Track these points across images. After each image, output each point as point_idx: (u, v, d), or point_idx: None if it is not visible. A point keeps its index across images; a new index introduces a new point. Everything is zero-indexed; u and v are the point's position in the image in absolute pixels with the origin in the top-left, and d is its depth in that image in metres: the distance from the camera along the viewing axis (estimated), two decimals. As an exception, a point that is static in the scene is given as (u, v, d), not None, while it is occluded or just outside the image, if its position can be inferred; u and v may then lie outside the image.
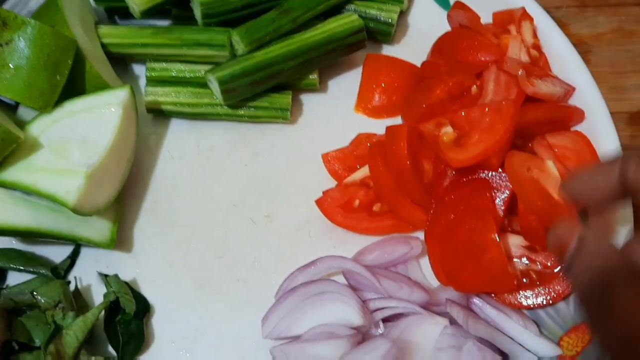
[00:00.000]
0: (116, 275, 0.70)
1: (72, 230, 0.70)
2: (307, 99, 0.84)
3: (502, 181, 0.70)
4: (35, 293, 0.67)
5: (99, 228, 0.71)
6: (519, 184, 0.67)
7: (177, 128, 0.82)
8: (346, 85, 0.85)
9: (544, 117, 0.73)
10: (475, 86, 0.74)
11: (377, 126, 0.81)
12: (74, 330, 0.64)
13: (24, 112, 0.75)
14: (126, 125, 0.72)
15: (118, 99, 0.72)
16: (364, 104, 0.82)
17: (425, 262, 0.73)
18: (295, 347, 0.65)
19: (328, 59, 0.81)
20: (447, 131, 0.69)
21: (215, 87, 0.77)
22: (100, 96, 0.72)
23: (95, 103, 0.72)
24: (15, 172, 0.68)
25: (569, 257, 0.52)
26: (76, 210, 0.66)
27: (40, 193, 0.67)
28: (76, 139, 0.70)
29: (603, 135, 0.74)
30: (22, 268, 0.71)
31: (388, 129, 0.73)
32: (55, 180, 0.67)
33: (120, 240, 0.74)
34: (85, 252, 0.75)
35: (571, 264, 0.51)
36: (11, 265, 0.71)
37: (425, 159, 0.74)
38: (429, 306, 0.68)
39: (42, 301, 0.67)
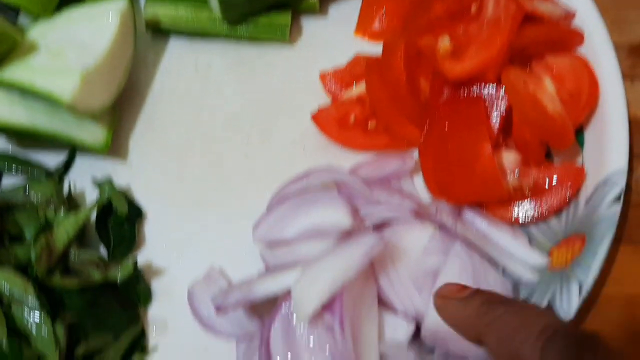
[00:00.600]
0: (110, 180, 0.71)
1: (66, 131, 0.70)
2: (307, 21, 0.84)
3: (498, 96, 0.70)
4: (28, 190, 0.67)
5: (94, 132, 0.72)
6: (515, 95, 0.67)
7: (175, 45, 0.82)
8: (347, 9, 0.84)
9: (543, 36, 0.73)
10: (474, 5, 0.74)
11: (377, 50, 0.80)
12: (65, 226, 0.65)
13: (24, 20, 0.75)
14: (124, 34, 0.73)
15: (116, 7, 0.72)
16: (364, 28, 0.82)
17: (418, 179, 0.73)
18: (283, 248, 0.65)
19: (329, -20, 0.81)
20: (445, 43, 0.68)
21: (214, 1, 0.76)
22: (99, 4, 0.72)
23: (93, 11, 0.72)
24: (13, 72, 0.68)
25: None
26: (70, 108, 0.67)
27: (36, 91, 0.67)
28: (74, 43, 0.70)
29: (602, 59, 0.73)
30: (15, 171, 0.71)
31: (385, 43, 0.73)
32: (51, 79, 0.67)
33: (115, 149, 0.75)
34: (79, 161, 0.75)
35: None
36: (6, 168, 0.71)
37: (422, 77, 0.73)
38: (420, 219, 0.68)
39: (35, 199, 0.67)
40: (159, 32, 0.82)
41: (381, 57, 0.73)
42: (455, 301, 0.54)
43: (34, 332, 0.58)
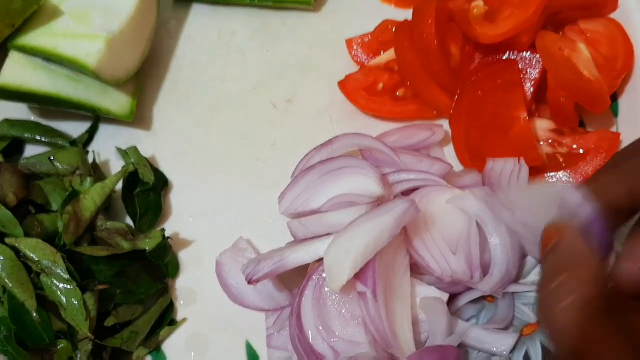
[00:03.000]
0: (135, 147, 0.70)
1: (91, 99, 0.69)
2: (330, -13, 0.82)
3: (532, 61, 0.68)
4: (52, 159, 0.66)
5: (118, 100, 0.70)
6: (550, 59, 0.65)
7: (198, 13, 0.81)
8: (373, -25, 0.82)
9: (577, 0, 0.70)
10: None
11: (404, 16, 0.78)
12: (92, 195, 0.64)
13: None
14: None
15: (140, -29, 0.70)
16: (390, -7, 0.80)
17: (448, 150, 0.72)
18: (313, 217, 0.64)
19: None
20: (478, 4, 0.66)
21: (238, -35, 0.75)
22: (122, -33, 0.70)
23: (116, -26, 0.70)
24: (36, 37, 0.67)
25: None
26: (96, 73, 0.65)
27: (60, 56, 0.66)
28: (97, 6, 0.69)
29: (637, 24, 0.71)
30: (40, 138, 0.70)
31: (415, 7, 0.70)
32: (75, 43, 0.66)
33: (139, 117, 0.74)
34: (103, 129, 0.74)
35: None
36: (29, 135, 0.70)
37: (453, 43, 0.71)
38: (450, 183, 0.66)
39: (60, 167, 0.66)
40: (182, -1, 0.80)
41: (411, 21, 0.71)
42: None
43: (63, 301, 0.57)
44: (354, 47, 0.76)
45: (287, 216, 0.67)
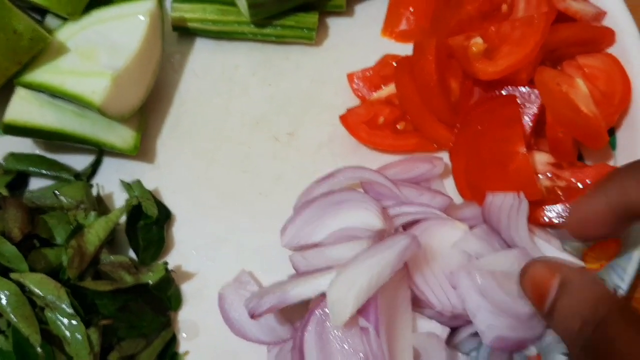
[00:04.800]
0: (139, 181, 0.70)
1: (96, 134, 0.70)
2: (333, 22, 0.84)
3: (530, 96, 0.69)
4: (57, 193, 0.67)
5: (123, 135, 0.71)
6: (548, 95, 0.66)
7: (202, 47, 0.82)
8: (373, 9, 0.84)
9: (575, 36, 0.72)
10: (505, 5, 0.73)
11: (404, 51, 0.79)
12: (96, 229, 0.64)
13: (51, 22, 0.74)
14: (152, 35, 0.72)
15: (145, 8, 0.71)
16: (391, 28, 0.82)
17: (448, 183, 0.72)
18: (314, 251, 0.64)
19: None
20: (477, 42, 0.68)
21: (242, 2, 0.76)
22: (128, 5, 0.72)
23: (123, 11, 0.72)
24: (42, 74, 0.68)
25: (550, 302, 0.48)
26: (102, 111, 0.66)
27: (67, 93, 0.67)
28: (103, 44, 0.70)
29: (634, 59, 0.73)
30: (45, 172, 0.71)
31: (416, 43, 0.72)
32: (82, 81, 0.67)
33: (143, 150, 0.74)
34: (107, 162, 0.75)
35: (553, 310, 0.47)
36: (34, 169, 0.71)
37: (453, 78, 0.73)
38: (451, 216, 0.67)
39: (65, 201, 0.67)
40: (185, 33, 0.81)
41: (412, 57, 0.72)
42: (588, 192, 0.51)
43: (67, 336, 0.58)
44: (355, 82, 0.77)
45: (289, 249, 0.68)
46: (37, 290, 0.58)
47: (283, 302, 0.59)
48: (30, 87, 0.68)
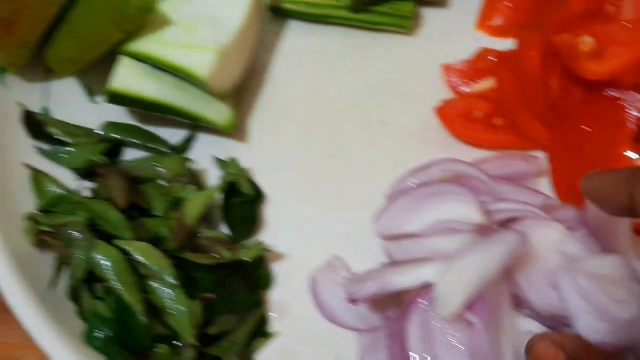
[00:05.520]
0: (235, 159, 0.70)
1: (195, 108, 0.70)
2: (426, 12, 0.83)
3: (635, 101, 0.68)
4: (155, 164, 0.67)
5: (220, 111, 0.71)
6: (657, 100, 0.65)
7: (293, 29, 0.82)
8: (468, 1, 0.83)
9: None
10: (610, 5, 0.72)
11: (498, 45, 0.79)
12: (194, 203, 0.64)
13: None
14: (255, 12, 0.72)
15: (250, -16, 0.71)
16: (486, 22, 0.81)
17: (541, 183, 0.72)
18: (412, 241, 0.64)
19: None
20: (587, 41, 0.67)
21: (343, -14, 0.76)
22: (232, -20, 0.71)
23: (226, -15, 0.71)
24: (146, 44, 0.68)
25: None
26: (206, 85, 0.66)
27: (171, 65, 0.67)
28: (206, 18, 0.70)
29: None
30: (141, 143, 0.71)
31: (520, 39, 0.71)
32: (186, 53, 0.67)
33: (235, 129, 0.74)
34: (200, 138, 0.75)
35: None
36: (131, 139, 0.71)
37: (553, 77, 0.72)
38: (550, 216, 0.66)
39: (164, 173, 0.67)
40: (278, 13, 0.81)
41: (514, 52, 0.71)
42: (605, 173, 0.52)
43: (169, 307, 0.58)
44: (450, 73, 0.77)
45: (381, 237, 0.67)
46: (141, 259, 0.59)
47: (384, 289, 0.59)
48: (135, 56, 0.68)
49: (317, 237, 0.70)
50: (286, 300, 0.68)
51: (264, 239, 0.70)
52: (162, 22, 0.69)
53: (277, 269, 0.69)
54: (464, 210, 0.65)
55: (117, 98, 0.68)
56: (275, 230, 0.71)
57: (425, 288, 0.59)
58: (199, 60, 0.66)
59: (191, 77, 0.66)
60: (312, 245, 0.70)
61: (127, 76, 0.68)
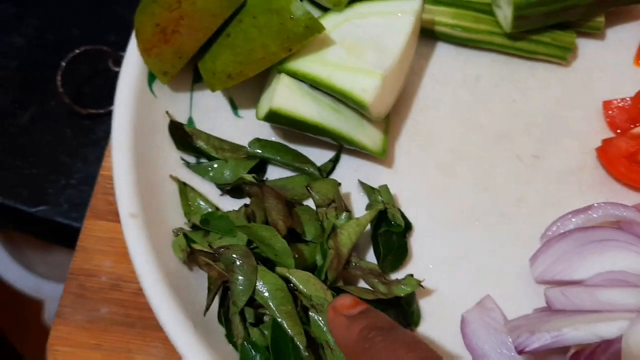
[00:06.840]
0: (386, 186, 0.68)
1: (350, 132, 0.68)
2: (582, 43, 0.79)
3: None
4: (309, 188, 0.65)
5: (373, 136, 0.69)
6: None
7: (442, 53, 0.79)
8: (626, 35, 0.79)
9: None
10: None
11: (661, 83, 0.75)
12: (348, 231, 0.62)
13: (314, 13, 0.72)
14: (413, 36, 0.70)
15: (412, 8, 0.69)
16: (647, 58, 0.76)
17: None
18: (580, 290, 0.61)
19: (618, 3, 0.75)
20: None
21: (505, 12, 0.72)
22: (394, 2, 0.69)
23: (387, 8, 0.69)
24: (309, 64, 0.66)
25: None
26: (368, 110, 0.64)
27: (333, 87, 0.65)
28: (368, 40, 0.68)
29: None
30: (288, 162, 0.69)
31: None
32: (350, 77, 0.65)
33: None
34: (343, 160, 0.73)
35: None
36: (278, 158, 0.69)
37: None
38: None
39: (317, 197, 0.65)
40: (429, 36, 0.78)
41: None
42: (343, 318, 0.49)
43: (331, 342, 0.56)
44: (611, 111, 0.73)
45: (538, 281, 0.64)
46: (304, 289, 0.57)
47: (558, 343, 0.56)
48: (294, 75, 0.66)
49: (466, 273, 0.67)
50: (434, 338, 0.65)
51: (409, 271, 0.67)
52: (324, 41, 0.67)
53: (423, 304, 0.66)
54: (634, 261, 0.61)
55: (276, 117, 0.66)
56: (422, 264, 0.68)
57: (600, 344, 0.55)
58: (364, 84, 0.64)
59: (354, 101, 0.64)
60: (461, 282, 0.67)
61: (287, 95, 0.66)
